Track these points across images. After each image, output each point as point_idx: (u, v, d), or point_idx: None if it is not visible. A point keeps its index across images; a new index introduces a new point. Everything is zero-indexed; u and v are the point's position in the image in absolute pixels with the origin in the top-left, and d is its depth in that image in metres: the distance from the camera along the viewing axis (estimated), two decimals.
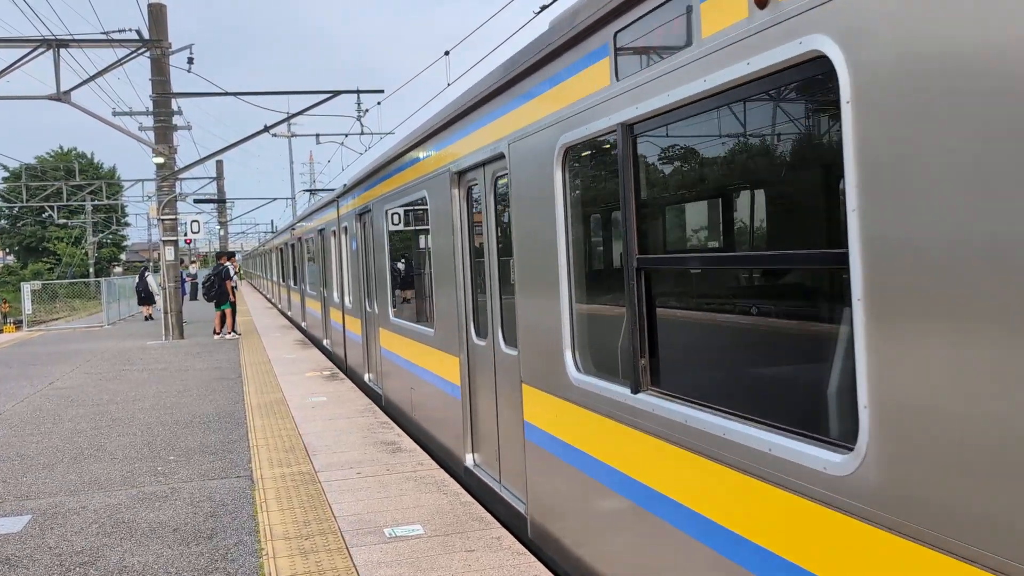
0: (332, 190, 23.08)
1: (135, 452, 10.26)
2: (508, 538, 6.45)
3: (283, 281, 35.82)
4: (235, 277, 28.42)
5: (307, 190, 44.94)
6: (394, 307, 11.53)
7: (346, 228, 15.57)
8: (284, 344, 22.33)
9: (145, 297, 36.18)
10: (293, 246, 29.15)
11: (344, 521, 7.07)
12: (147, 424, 12.02)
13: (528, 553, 6.13)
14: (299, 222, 26.95)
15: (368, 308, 13.53)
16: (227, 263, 26.29)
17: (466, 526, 6.78)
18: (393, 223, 11.40)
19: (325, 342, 20.45)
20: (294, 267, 29.39)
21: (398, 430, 10.62)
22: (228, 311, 25.14)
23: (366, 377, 14.24)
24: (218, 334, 24.98)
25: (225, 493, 8.25)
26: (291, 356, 19.39)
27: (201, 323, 30.42)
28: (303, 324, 26.38)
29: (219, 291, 24.93)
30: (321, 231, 19.99)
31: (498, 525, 6.78)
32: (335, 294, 17.71)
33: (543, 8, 11.28)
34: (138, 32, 24.12)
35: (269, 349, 21.19)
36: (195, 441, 10.71)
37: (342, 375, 15.78)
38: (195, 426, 11.70)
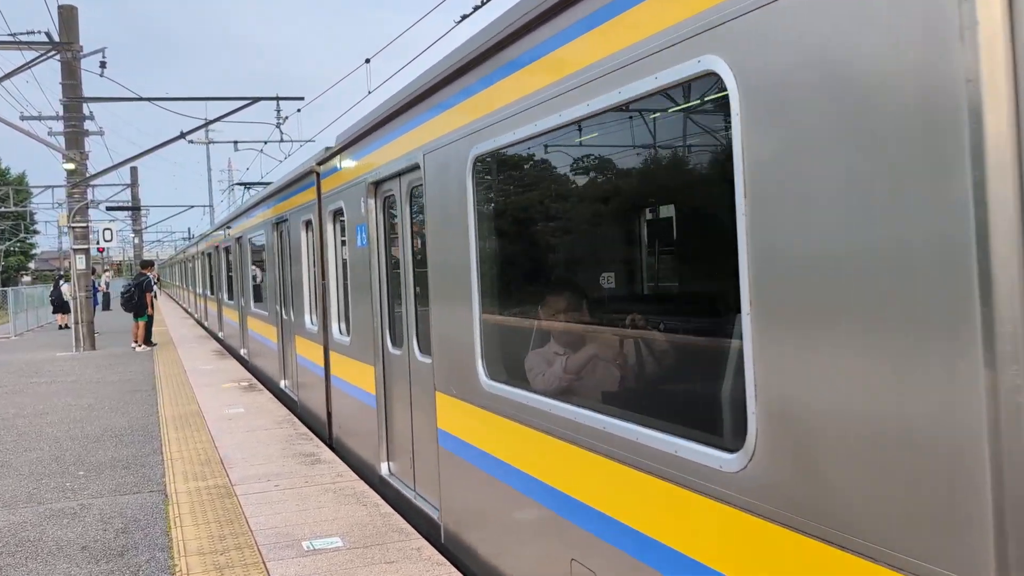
0: (269, 183, 19.04)
1: (42, 468, 9.92)
2: (428, 548, 6.42)
3: (211, 294, 28.06)
4: (156, 287, 27.36)
5: (240, 184, 33.78)
6: (488, 359, 5.57)
7: (337, 214, 9.76)
8: (201, 355, 21.86)
9: (59, 306, 35.13)
10: (227, 249, 22.10)
11: (261, 535, 6.95)
12: (55, 438, 11.64)
13: (448, 563, 6.10)
14: (238, 216, 19.95)
15: (392, 348, 7.92)
16: (149, 273, 25.62)
17: (386, 537, 6.73)
18: (493, 185, 5.68)
19: (284, 383, 14.20)
20: (228, 276, 22.32)
21: (317, 441, 10.48)
22: (144, 323, 24.49)
23: (384, 468, 8.30)
24: (137, 344, 24.34)
25: (137, 509, 8.03)
26: (208, 367, 18.99)
27: (113, 334, 29.59)
28: (242, 351, 19.76)
29: (139, 302, 24.29)
30: (279, 223, 13.74)
31: (417, 536, 6.74)
32: (308, 318, 11.72)
33: (463, 18, 11.31)
34: (48, 34, 23.42)
35: (185, 360, 20.72)
36: (106, 455, 10.41)
37: (260, 386, 15.50)
38: (106, 440, 11.37)
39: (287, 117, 27.98)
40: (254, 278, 17.57)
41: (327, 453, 9.78)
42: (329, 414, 10.64)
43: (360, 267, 8.58)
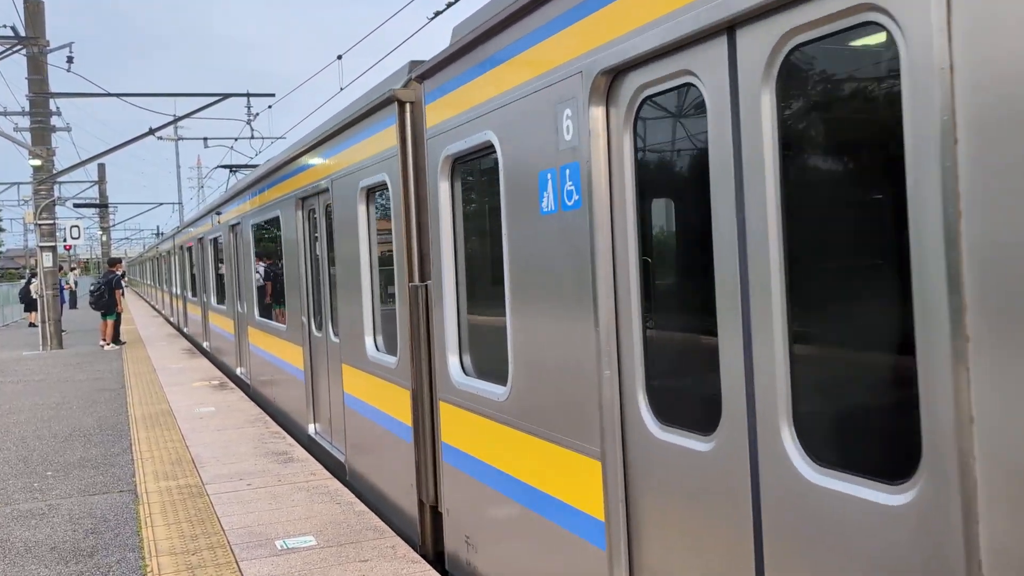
0: (255, 166, 17.41)
1: (9, 468, 9.78)
2: (403, 547, 6.40)
3: (192, 295, 23.76)
4: (124, 284, 26.77)
5: (225, 166, 27.97)
6: None
7: (466, 161, 5.70)
8: (170, 354, 21.65)
9: (29, 304, 34.81)
10: (216, 240, 18.26)
11: (233, 534, 6.89)
12: (22, 438, 11.47)
13: (422, 561, 6.08)
14: (235, 197, 15.42)
15: (657, 428, 3.79)
16: (117, 270, 25.33)
17: (360, 536, 6.69)
18: None
19: (314, 429, 10.28)
20: (218, 275, 18.36)
21: (290, 440, 10.41)
22: (112, 321, 24.21)
23: None
24: (105, 343, 24.06)
25: (107, 509, 7.94)
26: (178, 366, 18.82)
27: (81, 332, 29.24)
28: (239, 371, 15.81)
29: (108, 300, 24.01)
30: (308, 199, 9.86)
31: (392, 534, 6.72)
32: (371, 341, 7.70)
33: (437, 14, 11.27)
34: (13, 29, 23.11)
35: (155, 359, 20.51)
36: (75, 455, 10.28)
37: (231, 384, 15.37)
38: (75, 439, 11.23)
39: (258, 114, 27.79)
40: (262, 277, 13.46)
41: (300, 452, 9.71)
42: (435, 510, 6.41)
43: (549, 252, 4.39)
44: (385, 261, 7.27)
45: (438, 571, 6.06)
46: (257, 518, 7.30)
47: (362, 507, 7.44)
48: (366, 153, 7.36)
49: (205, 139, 35.19)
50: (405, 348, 6.54)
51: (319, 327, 9.67)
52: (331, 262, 8.88)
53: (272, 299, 12.75)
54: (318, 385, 9.90)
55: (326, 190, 8.85)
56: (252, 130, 28.70)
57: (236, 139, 31.32)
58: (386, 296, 7.31)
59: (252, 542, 6.68)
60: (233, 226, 15.40)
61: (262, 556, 6.35)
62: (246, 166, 26.72)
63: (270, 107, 27.21)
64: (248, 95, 25.83)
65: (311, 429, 10.30)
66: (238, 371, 15.89)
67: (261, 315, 13.25)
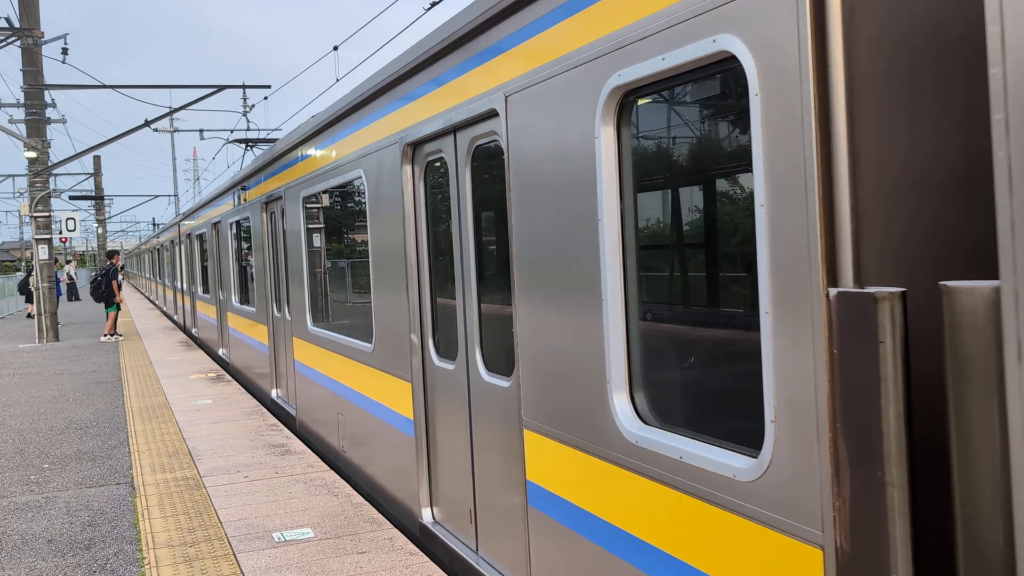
0: (273, 142, 14.54)
1: (5, 461, 9.77)
2: (400, 538, 6.40)
3: (204, 292, 20.34)
4: (120, 277, 26.52)
5: (240, 141, 22.64)
6: None
7: None
8: (167, 346, 21.63)
9: (29, 295, 34.92)
10: (237, 225, 14.67)
11: (231, 526, 6.89)
12: (18, 431, 11.46)
13: (421, 553, 6.09)
14: (277, 160, 10.91)
15: None
16: (116, 263, 25.28)
17: (357, 528, 6.69)
18: None
19: None
20: (241, 267, 14.78)
21: (287, 432, 10.42)
22: (113, 313, 24.17)
23: None
24: (106, 336, 24.02)
25: (104, 501, 7.93)
26: (174, 358, 18.80)
27: (79, 325, 29.19)
28: (275, 393, 12.15)
29: (107, 291, 23.96)
30: (427, 144, 5.88)
31: (390, 526, 6.72)
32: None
33: (432, 5, 11.24)
34: (8, 20, 23.02)
35: (151, 351, 20.49)
36: (71, 448, 10.27)
37: (228, 377, 15.36)
38: (71, 432, 11.22)
39: (253, 106, 27.76)
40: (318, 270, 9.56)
41: (297, 444, 9.71)
42: None
43: None
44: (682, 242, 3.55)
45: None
46: (254, 510, 7.30)
47: (359, 499, 7.44)
48: (628, 16, 3.42)
49: (201, 131, 35.09)
50: (804, 442, 2.65)
51: (447, 352, 6.00)
52: (481, 246, 5.38)
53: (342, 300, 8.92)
54: (441, 447, 6.17)
55: (483, 118, 5.08)
56: (248, 122, 28.66)
57: (232, 131, 31.27)
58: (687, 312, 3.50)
59: (250, 534, 6.68)
60: (267, 203, 11.69)
61: (260, 548, 6.35)
62: (264, 140, 22.38)
63: (266, 98, 27.17)
64: (244, 87, 25.80)
65: (427, 516, 6.42)
66: (273, 394, 12.18)
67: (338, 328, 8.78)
